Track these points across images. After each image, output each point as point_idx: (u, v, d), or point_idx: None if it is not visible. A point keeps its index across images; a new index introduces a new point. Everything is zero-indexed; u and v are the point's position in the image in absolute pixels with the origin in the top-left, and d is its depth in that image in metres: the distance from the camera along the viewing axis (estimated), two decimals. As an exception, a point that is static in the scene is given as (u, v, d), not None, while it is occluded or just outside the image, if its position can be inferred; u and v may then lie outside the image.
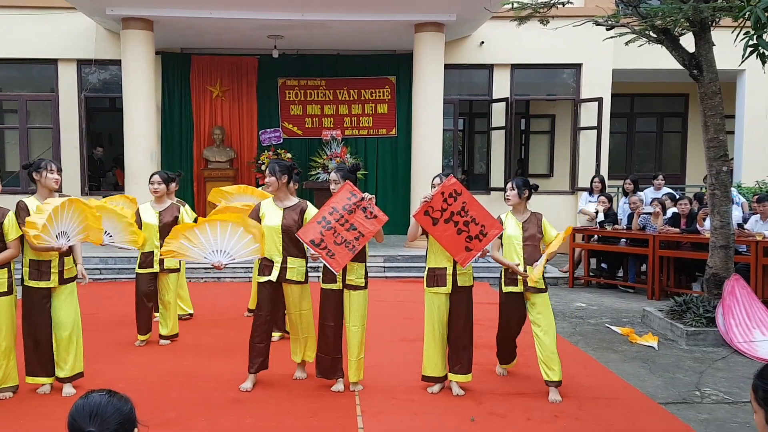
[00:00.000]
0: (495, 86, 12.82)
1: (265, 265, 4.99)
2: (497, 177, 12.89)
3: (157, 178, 6.31)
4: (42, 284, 4.75)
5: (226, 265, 4.87)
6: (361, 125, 12.82)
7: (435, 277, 4.90)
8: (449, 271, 4.86)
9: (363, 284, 4.94)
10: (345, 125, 12.73)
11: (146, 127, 10.66)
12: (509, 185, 5.16)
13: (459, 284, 4.87)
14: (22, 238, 4.69)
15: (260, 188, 7.38)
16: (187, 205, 6.84)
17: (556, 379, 4.90)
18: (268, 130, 12.56)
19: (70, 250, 4.86)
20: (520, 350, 6.20)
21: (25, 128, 12.54)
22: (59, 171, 4.85)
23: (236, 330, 6.87)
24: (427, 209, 4.80)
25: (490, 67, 12.82)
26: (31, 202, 4.77)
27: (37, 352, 4.81)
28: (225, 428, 4.28)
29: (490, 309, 7.92)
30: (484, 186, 13.05)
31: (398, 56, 12.69)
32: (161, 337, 6.35)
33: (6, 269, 4.68)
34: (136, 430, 1.89)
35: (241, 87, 12.75)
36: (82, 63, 12.32)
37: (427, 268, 4.96)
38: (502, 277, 5.11)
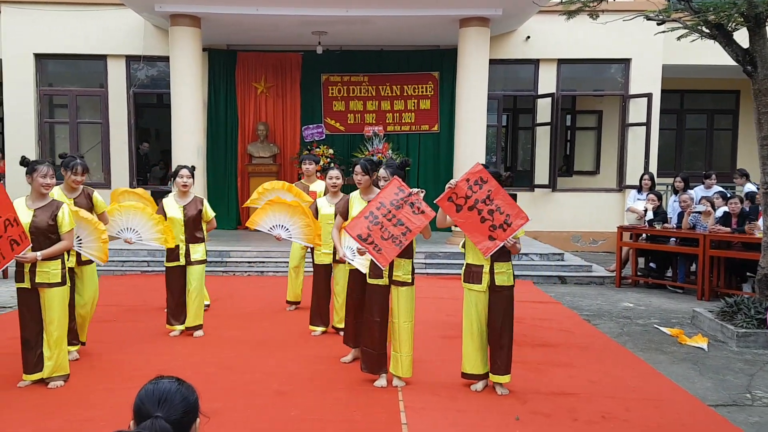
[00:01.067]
0: (541, 81, 12.65)
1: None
2: (542, 174, 12.71)
3: (186, 171, 6.36)
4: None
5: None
6: (403, 121, 12.78)
7: (471, 274, 4.84)
8: (486, 269, 4.79)
9: (410, 280, 4.91)
10: (387, 121, 12.72)
11: (193, 123, 10.81)
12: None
13: (497, 283, 4.79)
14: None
15: (294, 183, 7.51)
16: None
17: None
18: (310, 126, 12.62)
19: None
20: (565, 350, 6.13)
21: (75, 123, 12.85)
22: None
23: (277, 323, 6.96)
24: (450, 195, 4.75)
25: (535, 62, 12.65)
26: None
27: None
28: (270, 419, 4.30)
29: (533, 307, 7.87)
30: (528, 183, 12.88)
31: (442, 51, 12.60)
32: (188, 329, 6.43)
33: (59, 260, 4.79)
34: (198, 420, 1.91)
35: (285, 83, 12.84)
36: (130, 59, 12.56)
37: (465, 264, 4.92)
38: None
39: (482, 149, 10.74)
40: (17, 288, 4.79)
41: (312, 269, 6.70)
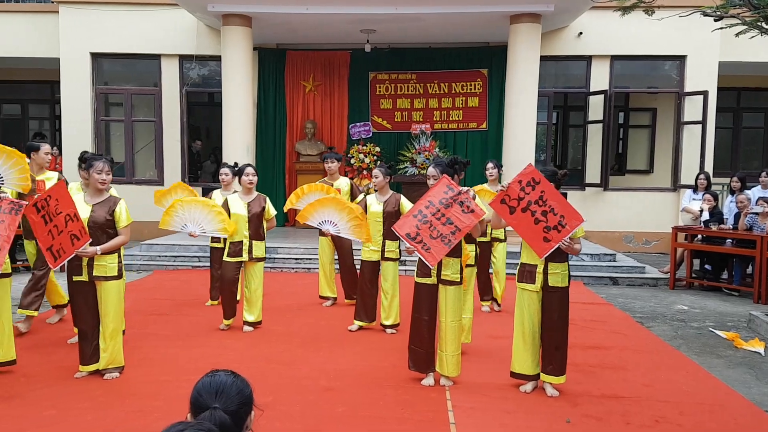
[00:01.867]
0: (593, 78, 12.42)
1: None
2: (593, 173, 12.48)
3: (251, 170, 6.46)
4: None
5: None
6: (450, 119, 12.71)
7: (525, 273, 4.80)
8: (540, 269, 4.72)
9: (458, 279, 4.88)
10: (434, 119, 12.67)
11: (243, 121, 10.97)
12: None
13: (550, 284, 4.72)
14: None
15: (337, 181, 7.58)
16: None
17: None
18: (357, 123, 12.67)
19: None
20: (618, 352, 6.00)
21: (130, 121, 13.18)
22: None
23: (323, 318, 7.05)
24: (503, 197, 4.68)
25: (588, 59, 12.42)
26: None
27: None
28: (319, 415, 4.33)
29: (584, 309, 7.73)
30: (579, 182, 12.66)
31: (491, 48, 12.49)
32: (246, 323, 6.52)
33: (116, 254, 4.91)
34: (253, 412, 1.95)
35: (332, 81, 12.91)
36: (183, 58, 12.82)
37: (519, 263, 4.87)
38: None
39: (532, 147, 10.60)
40: (74, 281, 4.92)
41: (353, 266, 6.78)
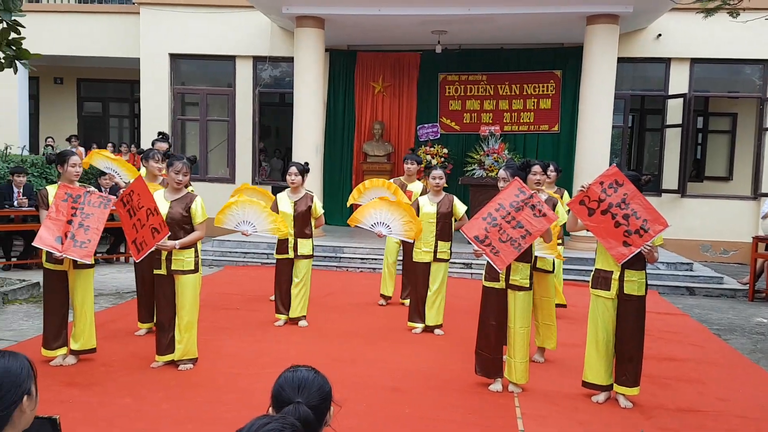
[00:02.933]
0: (671, 81, 12.01)
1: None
2: (670, 178, 12.07)
3: (294, 169, 6.53)
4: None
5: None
6: (521, 121, 12.52)
7: (600, 280, 4.64)
8: (615, 275, 4.56)
9: (528, 285, 4.78)
10: (504, 121, 12.49)
11: (313, 122, 11.11)
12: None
13: (625, 291, 4.55)
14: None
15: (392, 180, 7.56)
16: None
17: None
18: (426, 125, 12.62)
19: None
20: (694, 365, 5.77)
21: (205, 120, 13.55)
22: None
23: (388, 318, 7.06)
24: (582, 198, 4.55)
25: (666, 61, 12.02)
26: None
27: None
28: (384, 415, 4.33)
29: (660, 319, 7.46)
30: (655, 187, 12.25)
31: (566, 49, 12.23)
32: (290, 319, 6.62)
33: (193, 249, 5.04)
34: (332, 408, 1.99)
35: (402, 82, 12.92)
36: (257, 60, 13.09)
37: (594, 269, 4.72)
38: None
39: (606, 151, 10.32)
40: (155, 274, 5.09)
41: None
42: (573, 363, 5.49)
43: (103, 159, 6.76)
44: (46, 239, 4.81)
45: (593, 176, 10.25)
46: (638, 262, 4.52)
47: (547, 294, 5.66)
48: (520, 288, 4.76)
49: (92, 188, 5.06)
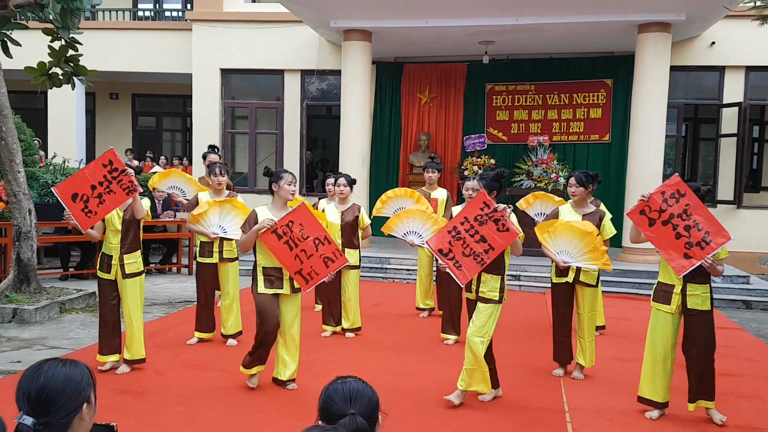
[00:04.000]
0: (726, 90, 11.69)
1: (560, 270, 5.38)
2: (725, 189, 11.72)
3: (343, 180, 6.58)
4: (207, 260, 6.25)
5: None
6: (570, 130, 12.35)
7: (661, 293, 4.50)
8: (677, 289, 4.41)
9: (497, 298, 4.62)
10: (553, 131, 12.35)
11: (360, 133, 11.18)
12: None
13: (689, 306, 4.39)
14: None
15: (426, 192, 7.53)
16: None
17: None
18: (472, 135, 12.55)
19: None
20: (752, 380, 5.57)
21: (254, 133, 13.77)
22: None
23: (433, 330, 6.97)
24: (643, 208, 4.42)
25: (721, 69, 11.72)
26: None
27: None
28: (434, 428, 4.29)
29: (717, 333, 7.19)
30: (710, 198, 11.89)
31: (616, 58, 12.04)
32: (344, 329, 6.64)
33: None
34: (380, 419, 1.98)
35: (448, 93, 12.91)
36: (305, 73, 13.26)
37: (657, 281, 4.58)
38: None
39: (660, 160, 10.09)
40: (270, 293, 4.81)
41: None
42: (624, 378, 5.36)
43: (179, 177, 6.81)
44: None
45: (645, 186, 10.08)
46: (701, 276, 4.36)
47: (589, 309, 5.46)
48: (487, 300, 4.61)
49: (131, 171, 5.08)
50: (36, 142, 11.76)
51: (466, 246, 4.51)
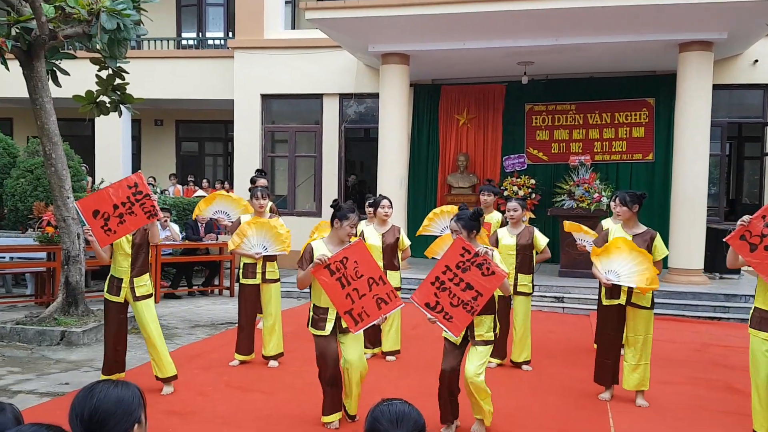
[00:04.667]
0: (771, 107, 11.43)
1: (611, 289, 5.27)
2: (773, 208, 11.38)
3: (386, 202, 6.60)
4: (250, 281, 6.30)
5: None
6: (613, 150, 12.20)
7: (759, 319, 4.23)
8: None
9: (492, 338, 4.48)
10: (595, 150, 12.21)
11: (398, 155, 11.24)
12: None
13: None
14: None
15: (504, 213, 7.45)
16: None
17: None
18: (512, 156, 12.49)
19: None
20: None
21: (293, 157, 13.96)
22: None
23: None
24: (743, 233, 4.21)
25: (764, 87, 11.50)
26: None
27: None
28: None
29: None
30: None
31: (657, 77, 11.90)
32: (384, 353, 6.63)
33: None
34: None
35: (487, 114, 12.90)
36: (343, 97, 13.42)
37: (753, 307, 4.34)
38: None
39: (704, 179, 9.89)
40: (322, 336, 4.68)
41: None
42: (668, 402, 5.22)
43: (223, 200, 6.76)
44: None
45: (692, 206, 9.85)
46: None
47: (644, 332, 5.27)
48: (486, 342, 4.43)
49: (154, 196, 5.22)
50: (83, 168, 12.11)
51: (452, 296, 4.27)
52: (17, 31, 7.08)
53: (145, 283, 5.38)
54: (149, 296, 5.40)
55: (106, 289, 5.43)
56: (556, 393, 5.51)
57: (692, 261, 9.86)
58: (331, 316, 4.47)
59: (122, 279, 5.33)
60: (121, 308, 5.42)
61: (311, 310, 4.55)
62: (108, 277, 5.43)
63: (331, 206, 4.58)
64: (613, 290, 5.24)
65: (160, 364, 5.36)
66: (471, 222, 4.50)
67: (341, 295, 4.32)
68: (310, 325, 4.57)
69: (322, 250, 4.45)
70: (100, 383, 1.96)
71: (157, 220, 5.30)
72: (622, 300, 5.27)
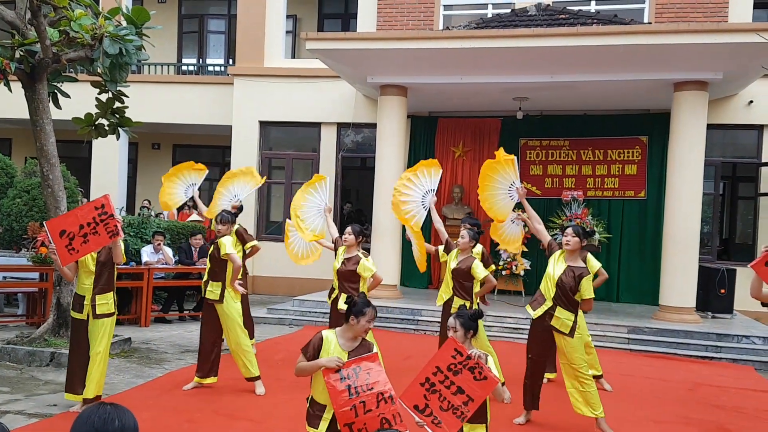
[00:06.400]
0: (765, 148, 11.58)
1: None
2: (765, 248, 11.45)
3: (348, 229, 6.49)
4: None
5: None
6: (605, 186, 12.30)
7: None
8: None
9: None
10: (587, 186, 12.31)
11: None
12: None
13: None
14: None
15: None
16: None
17: None
18: (507, 189, 12.57)
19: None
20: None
21: (290, 183, 14.01)
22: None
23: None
24: None
25: (759, 128, 11.65)
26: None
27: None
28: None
29: (755, 397, 6.95)
30: (748, 257, 11.64)
31: (651, 115, 12.04)
32: None
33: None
34: None
35: (482, 148, 13.01)
36: (341, 126, 13.53)
37: None
38: None
39: (697, 218, 9.95)
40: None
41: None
42: None
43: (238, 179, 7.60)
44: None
45: (684, 244, 9.89)
46: None
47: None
48: None
49: (119, 216, 5.32)
50: (79, 190, 12.12)
51: (443, 399, 4.05)
52: (21, 53, 7.16)
53: (107, 302, 5.47)
54: (110, 315, 5.48)
55: (71, 306, 5.56)
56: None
57: (684, 299, 9.87)
58: (327, 415, 4.06)
59: (84, 296, 5.44)
60: (85, 325, 5.49)
61: (309, 401, 4.14)
62: (73, 294, 5.55)
63: (345, 302, 4.16)
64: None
65: (90, 383, 5.40)
66: (470, 322, 4.28)
67: (346, 405, 3.94)
68: (306, 419, 4.14)
69: (333, 342, 4.07)
70: (110, 406, 2.02)
71: (119, 239, 5.37)
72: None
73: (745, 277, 10.95)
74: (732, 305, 10.49)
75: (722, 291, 10.36)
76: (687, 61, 9.59)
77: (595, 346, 7.08)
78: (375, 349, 4.09)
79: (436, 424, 3.99)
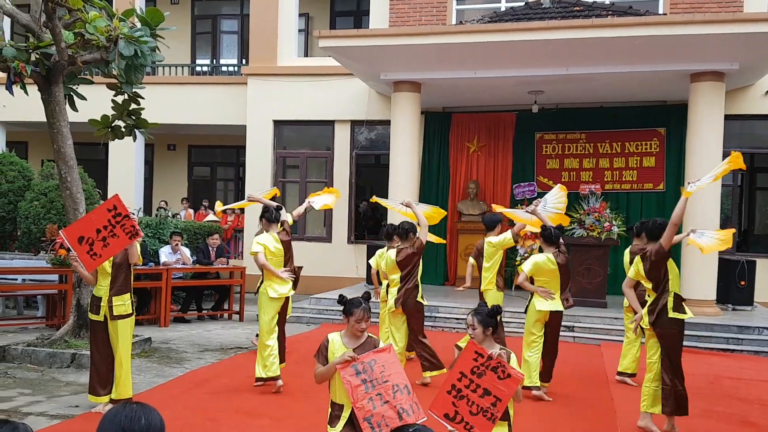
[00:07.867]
0: (782, 139, 11.43)
1: None
2: (785, 238, 11.33)
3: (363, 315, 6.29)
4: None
5: None
6: (623, 179, 12.20)
7: None
8: None
9: None
10: (605, 179, 12.22)
11: (409, 182, 11.28)
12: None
13: None
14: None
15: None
16: None
17: None
18: (522, 184, 12.50)
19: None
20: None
21: (304, 182, 14.04)
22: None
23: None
24: None
25: (776, 118, 11.49)
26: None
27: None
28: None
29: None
30: (766, 248, 11.53)
31: (668, 107, 11.93)
32: None
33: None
34: None
35: (497, 142, 12.95)
36: (354, 123, 13.53)
37: None
38: None
39: (716, 209, 9.85)
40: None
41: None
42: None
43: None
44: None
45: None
46: None
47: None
48: None
49: (134, 216, 5.35)
50: (97, 192, 12.21)
51: (471, 403, 4.03)
52: (37, 56, 7.22)
53: (124, 303, 5.47)
54: (128, 316, 5.49)
55: (89, 308, 5.56)
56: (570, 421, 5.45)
57: (705, 292, 9.78)
58: (345, 414, 4.11)
59: (101, 298, 5.45)
60: (103, 327, 5.50)
61: (330, 405, 4.19)
62: (91, 296, 5.57)
63: (338, 302, 4.27)
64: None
65: (118, 385, 5.43)
66: (488, 319, 4.27)
67: (364, 398, 4.00)
68: (327, 422, 4.21)
69: (338, 342, 4.15)
70: (135, 405, 2.04)
71: (139, 239, 5.39)
72: None
73: (764, 268, 10.85)
74: (752, 297, 10.38)
75: (742, 283, 10.26)
76: (703, 52, 9.49)
77: (614, 340, 7.03)
78: (382, 345, 4.15)
79: (469, 430, 3.98)
